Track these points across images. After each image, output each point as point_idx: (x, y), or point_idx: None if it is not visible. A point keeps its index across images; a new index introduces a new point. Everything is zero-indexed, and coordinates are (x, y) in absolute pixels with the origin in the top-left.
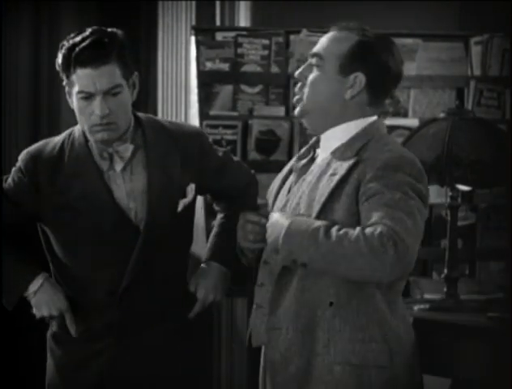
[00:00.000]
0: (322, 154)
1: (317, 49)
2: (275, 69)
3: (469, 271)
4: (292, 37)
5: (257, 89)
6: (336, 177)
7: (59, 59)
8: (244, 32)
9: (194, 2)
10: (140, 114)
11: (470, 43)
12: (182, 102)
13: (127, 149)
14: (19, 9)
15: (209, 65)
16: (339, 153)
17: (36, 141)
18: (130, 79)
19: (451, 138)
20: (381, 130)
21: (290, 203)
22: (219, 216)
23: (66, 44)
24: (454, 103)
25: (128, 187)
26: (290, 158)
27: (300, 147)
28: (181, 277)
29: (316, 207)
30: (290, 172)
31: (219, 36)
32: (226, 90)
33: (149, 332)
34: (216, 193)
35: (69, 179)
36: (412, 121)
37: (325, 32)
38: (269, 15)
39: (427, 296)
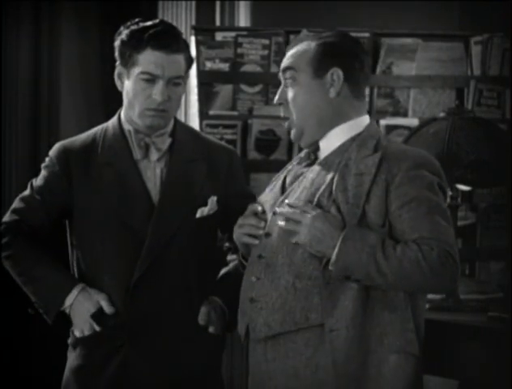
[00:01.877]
0: (324, 154)
1: (285, 64)
2: (274, 69)
3: (469, 271)
4: (291, 37)
5: (257, 89)
6: (366, 178)
7: (125, 36)
8: (244, 32)
9: (194, 2)
10: (180, 121)
11: (470, 43)
12: (182, 102)
13: (164, 141)
14: (19, 9)
15: (209, 64)
16: (351, 150)
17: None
18: (185, 76)
19: (451, 138)
20: (379, 131)
21: (289, 200)
22: (234, 257)
23: (135, 26)
24: (454, 103)
25: (158, 177)
26: (290, 158)
27: (300, 147)
28: (194, 284)
29: (353, 211)
30: (284, 177)
31: (218, 36)
32: (226, 90)
33: (160, 334)
34: (230, 221)
35: (102, 167)
36: (412, 121)
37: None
38: (269, 15)
39: (427, 296)
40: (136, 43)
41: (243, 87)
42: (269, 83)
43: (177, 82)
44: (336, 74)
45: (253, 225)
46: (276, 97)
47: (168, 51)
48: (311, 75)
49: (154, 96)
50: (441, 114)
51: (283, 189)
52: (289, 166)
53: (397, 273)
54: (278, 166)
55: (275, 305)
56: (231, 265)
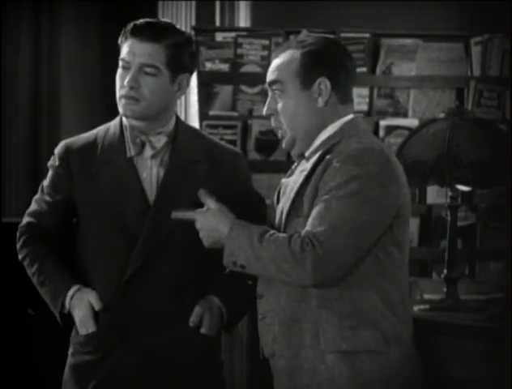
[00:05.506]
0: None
1: (271, 77)
2: None
3: (469, 271)
4: (291, 37)
5: (256, 89)
6: (304, 173)
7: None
8: (244, 33)
9: (194, 2)
10: (184, 122)
11: (470, 43)
12: (182, 102)
13: (160, 140)
14: (19, 9)
15: (209, 65)
16: (314, 152)
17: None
18: (178, 75)
19: (451, 139)
20: (358, 126)
21: (277, 211)
22: None
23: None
24: (454, 103)
25: (154, 177)
26: (290, 158)
27: None
28: (188, 283)
29: (287, 204)
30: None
31: (218, 37)
32: (226, 90)
33: (152, 333)
34: None
35: (100, 165)
36: (412, 122)
37: (325, 33)
38: (269, 15)
39: (427, 296)
40: (121, 38)
41: (243, 87)
42: None
43: (150, 71)
44: (323, 83)
45: None
46: (265, 108)
47: (143, 39)
48: (298, 87)
49: (124, 82)
50: (441, 115)
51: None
52: (283, 180)
53: (265, 257)
54: (278, 167)
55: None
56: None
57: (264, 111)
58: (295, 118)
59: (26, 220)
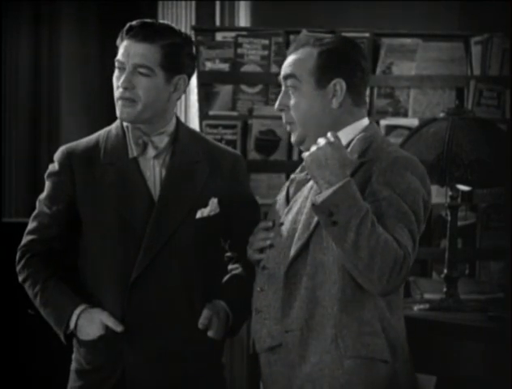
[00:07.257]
0: None
1: (286, 71)
2: (274, 69)
3: (469, 271)
4: (292, 37)
5: (257, 89)
6: None
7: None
8: (244, 32)
9: (193, 2)
10: (183, 123)
11: (470, 43)
12: (182, 102)
13: (162, 140)
14: (19, 9)
15: (209, 65)
16: None
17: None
18: (173, 76)
19: (451, 138)
20: (379, 132)
21: (292, 211)
22: (236, 266)
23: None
24: (454, 103)
25: (158, 177)
26: (290, 158)
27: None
28: (194, 284)
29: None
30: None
31: (218, 37)
32: (226, 90)
33: (159, 335)
34: (231, 228)
35: (104, 168)
36: (412, 121)
37: (325, 33)
38: (269, 15)
39: (427, 296)
40: (119, 36)
41: (243, 87)
42: (269, 83)
43: (144, 72)
44: (339, 85)
45: (261, 239)
46: (277, 103)
47: (137, 39)
48: (313, 86)
49: (119, 83)
50: (441, 114)
51: (288, 200)
52: (292, 176)
53: (372, 238)
54: (278, 167)
55: (278, 315)
56: (233, 273)
57: (276, 106)
58: (307, 116)
59: (26, 239)
